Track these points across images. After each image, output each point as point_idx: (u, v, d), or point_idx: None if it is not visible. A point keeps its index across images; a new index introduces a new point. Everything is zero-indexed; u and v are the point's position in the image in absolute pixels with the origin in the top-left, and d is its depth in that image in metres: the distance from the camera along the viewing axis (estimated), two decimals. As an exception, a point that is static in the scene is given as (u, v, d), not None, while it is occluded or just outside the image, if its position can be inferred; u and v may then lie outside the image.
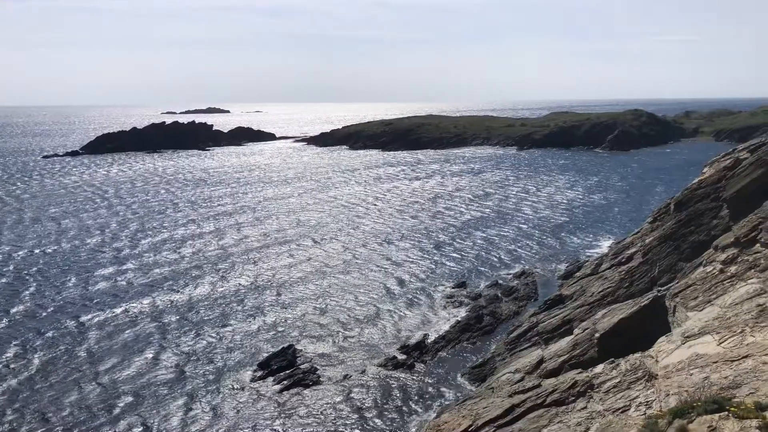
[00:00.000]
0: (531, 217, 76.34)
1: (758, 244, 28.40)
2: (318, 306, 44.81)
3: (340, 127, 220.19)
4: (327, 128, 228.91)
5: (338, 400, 31.38)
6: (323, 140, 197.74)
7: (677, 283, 32.38)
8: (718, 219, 39.79)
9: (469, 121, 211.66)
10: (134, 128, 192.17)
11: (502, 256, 57.80)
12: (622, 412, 16.65)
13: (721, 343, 18.90)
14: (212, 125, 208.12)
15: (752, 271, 26.05)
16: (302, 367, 34.80)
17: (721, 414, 9.01)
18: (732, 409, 8.98)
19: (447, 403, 30.81)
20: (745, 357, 16.65)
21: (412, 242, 63.12)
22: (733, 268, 28.22)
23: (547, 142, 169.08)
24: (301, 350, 37.21)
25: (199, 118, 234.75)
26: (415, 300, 45.93)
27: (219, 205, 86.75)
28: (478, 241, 63.88)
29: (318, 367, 35.05)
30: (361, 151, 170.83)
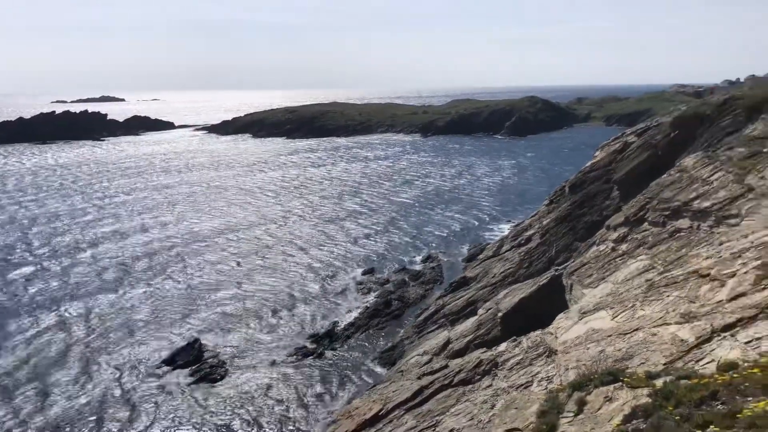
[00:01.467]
0: (436, 202, 77.77)
1: (646, 223, 30.16)
2: (225, 298, 43.91)
3: (242, 114, 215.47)
4: (229, 116, 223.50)
5: (247, 392, 30.94)
6: (225, 128, 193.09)
7: (573, 262, 33.95)
8: (610, 200, 41.96)
9: (374, 109, 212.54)
10: (20, 118, 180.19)
11: (410, 242, 58.63)
12: (525, 388, 17.31)
13: (614, 318, 19.97)
14: (106, 114, 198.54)
15: (641, 248, 27.67)
16: (209, 361, 34.04)
17: (616, 384, 9.54)
18: (625, 379, 9.53)
19: (358, 389, 31.04)
20: (636, 330, 17.67)
21: (320, 231, 62.89)
22: (623, 246, 29.86)
23: (450, 129, 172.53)
24: (207, 344, 36.37)
25: (92, 107, 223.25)
26: (324, 288, 45.85)
27: (118, 197, 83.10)
28: (387, 227, 64.48)
29: (226, 360, 34.39)
30: (266, 139, 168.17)
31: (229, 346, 36.25)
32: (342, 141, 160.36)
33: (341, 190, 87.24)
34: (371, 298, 43.66)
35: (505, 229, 59.83)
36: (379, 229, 63.69)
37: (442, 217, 68.90)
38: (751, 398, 6.75)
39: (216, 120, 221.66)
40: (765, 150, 27.88)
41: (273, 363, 34.15)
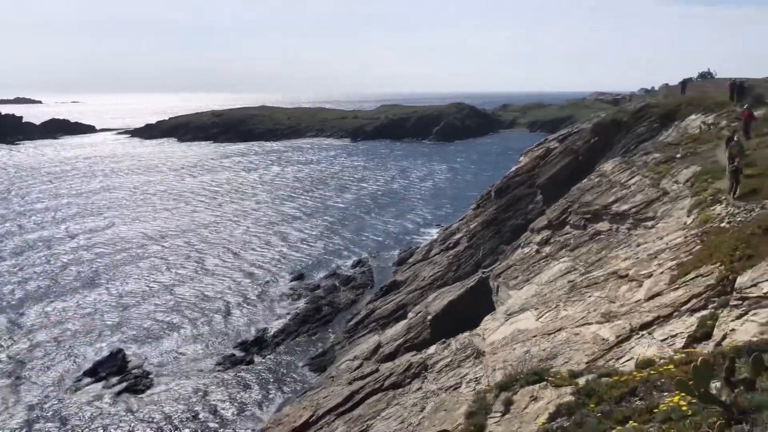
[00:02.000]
0: (367, 205, 77.99)
1: (568, 226, 31.18)
2: (152, 307, 42.64)
3: (167, 118, 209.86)
4: (152, 119, 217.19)
5: (173, 403, 30.13)
6: (149, 132, 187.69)
7: (499, 264, 34.72)
8: (534, 204, 43.16)
9: (303, 113, 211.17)
10: None
11: (341, 246, 58.55)
12: (454, 390, 17.55)
13: (539, 318, 20.53)
14: (21, 117, 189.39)
15: (564, 250, 28.57)
16: (133, 372, 32.97)
17: (541, 384, 9.80)
18: (550, 378, 9.80)
19: (288, 396, 30.72)
20: (560, 330, 18.22)
21: (251, 236, 61.98)
22: (547, 249, 30.76)
23: (379, 134, 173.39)
24: (132, 354, 35.22)
25: (6, 109, 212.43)
26: (254, 295, 45.20)
27: (41, 203, 79.31)
28: (319, 232, 64.16)
29: (150, 370, 33.39)
30: (192, 144, 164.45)
31: (155, 356, 35.22)
32: (272, 145, 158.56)
33: (274, 194, 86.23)
34: (301, 303, 43.34)
35: (435, 232, 60.59)
36: (311, 234, 63.34)
37: (373, 222, 69.16)
38: (666, 393, 7.06)
39: (139, 123, 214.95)
40: (678, 155, 29.31)
41: (200, 372, 33.39)
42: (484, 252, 42.15)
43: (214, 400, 30.45)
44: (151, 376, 32.79)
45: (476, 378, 17.67)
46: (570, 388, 8.78)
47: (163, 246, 57.99)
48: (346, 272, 50.29)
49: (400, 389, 20.18)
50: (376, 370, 22.59)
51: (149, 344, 36.78)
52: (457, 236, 46.70)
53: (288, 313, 41.68)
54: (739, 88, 35.29)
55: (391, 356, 28.48)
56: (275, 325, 39.70)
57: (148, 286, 46.71)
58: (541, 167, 45.79)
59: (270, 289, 46.57)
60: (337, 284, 47.10)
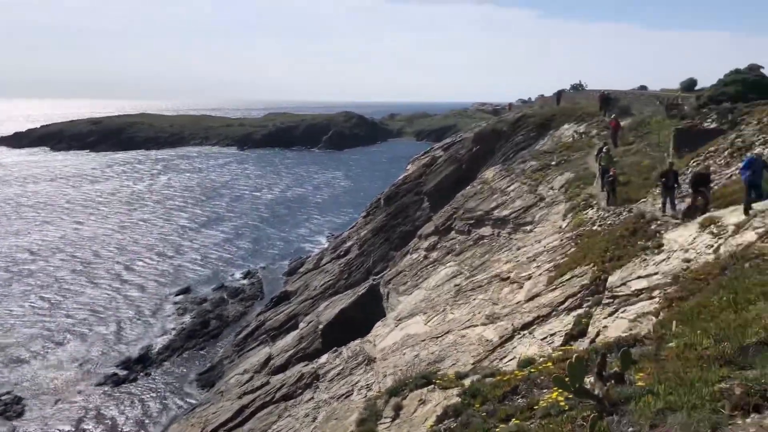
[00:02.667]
0: (256, 215, 76.63)
1: (453, 231, 32.10)
2: (26, 326, 39.69)
3: (37, 126, 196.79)
4: (22, 127, 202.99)
5: (50, 428, 28.21)
6: (18, 141, 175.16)
7: (389, 270, 35.20)
8: (421, 210, 44.11)
9: (187, 121, 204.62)
10: None
11: (230, 257, 57.13)
12: (345, 398, 17.57)
13: (427, 323, 20.98)
14: None
15: (450, 255, 29.39)
16: (3, 398, 30.57)
17: (429, 387, 10.01)
18: (437, 381, 10.03)
19: (175, 414, 29.56)
20: (447, 332, 18.71)
21: (137, 249, 59.15)
22: (434, 254, 31.52)
23: (267, 142, 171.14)
24: (2, 379, 32.65)
25: None
26: (138, 311, 43.18)
27: None
28: (207, 243, 62.26)
29: (24, 396, 31.09)
30: (68, 153, 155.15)
31: (26, 381, 32.83)
32: (157, 153, 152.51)
33: (163, 205, 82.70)
34: (188, 318, 41.87)
35: (325, 241, 60.47)
36: (201, 245, 61.37)
37: (264, 231, 68.04)
38: (546, 390, 7.40)
39: (5, 131, 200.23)
40: (553, 163, 30.95)
41: (79, 394, 31.48)
42: (375, 259, 42.56)
43: (95, 422, 28.79)
44: (23, 401, 30.55)
45: (368, 385, 17.77)
46: (457, 389, 9.02)
47: (43, 261, 54.19)
48: (234, 284, 49.13)
49: (292, 400, 19.96)
50: (267, 383, 22.24)
51: (22, 368, 34.25)
52: (348, 244, 46.88)
53: (174, 329, 40.13)
54: (607, 100, 37.75)
55: (282, 368, 28.10)
56: (160, 342, 38.11)
57: (21, 306, 43.50)
58: (428, 175, 46.91)
59: (154, 304, 44.67)
60: (226, 297, 45.92)
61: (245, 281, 49.66)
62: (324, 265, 46.15)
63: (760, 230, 12.93)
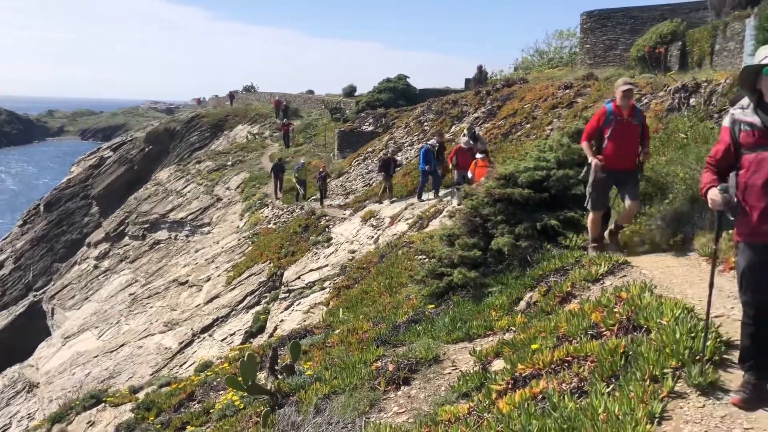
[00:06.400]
0: None
1: (127, 237, 30.31)
2: None
3: None
4: None
5: None
6: None
7: (54, 285, 31.85)
8: (89, 216, 40.70)
9: None
10: None
11: None
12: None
13: (100, 337, 19.47)
14: None
15: (124, 263, 27.67)
16: None
17: (99, 407, 9.26)
18: (108, 399, 9.33)
19: None
20: (123, 345, 17.58)
21: None
22: (106, 263, 29.40)
23: None
24: None
25: None
26: None
27: None
28: None
29: None
30: None
31: None
32: None
33: None
34: None
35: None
36: None
37: None
38: (222, 392, 7.39)
39: None
40: (229, 163, 31.10)
41: None
42: (36, 273, 37.96)
43: None
44: None
45: (29, 414, 15.88)
46: (130, 404, 8.51)
47: None
48: None
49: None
50: None
51: None
52: (1, 258, 41.06)
53: None
54: (286, 109, 38.82)
55: None
56: None
57: None
58: (95, 177, 43.43)
59: None
60: None
61: None
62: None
63: (410, 221, 14.68)
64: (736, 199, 3.08)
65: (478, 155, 12.61)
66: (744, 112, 3.17)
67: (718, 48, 15.88)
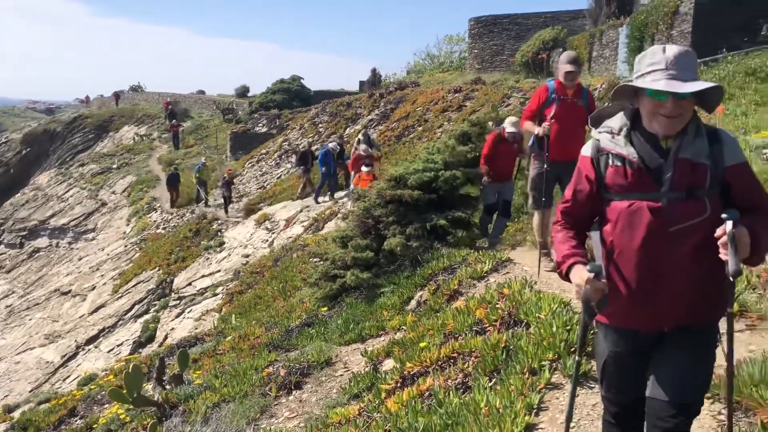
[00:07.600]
0: None
1: (3, 246, 28.32)
2: None
3: None
4: None
5: None
6: None
7: None
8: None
9: None
10: None
11: None
12: None
13: (-28, 354, 18.07)
14: None
15: (-1, 273, 25.84)
16: None
17: (-31, 430, 8.59)
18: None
19: None
20: (-1, 361, 16.42)
21: None
22: (-22, 274, 27.33)
23: None
24: None
25: None
26: None
27: None
28: None
29: None
30: None
31: None
32: None
33: None
34: None
35: None
36: None
37: None
38: (107, 405, 7.04)
39: None
40: (115, 166, 29.70)
41: None
42: None
43: None
44: None
45: None
46: (4, 424, 7.95)
47: None
48: None
49: None
50: None
51: None
52: None
53: None
54: (171, 110, 37.39)
55: None
56: None
57: None
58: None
59: None
60: None
61: None
62: None
63: (305, 223, 14.59)
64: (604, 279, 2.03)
65: (363, 168, 12.57)
66: (614, 139, 2.16)
67: (596, 54, 16.89)
